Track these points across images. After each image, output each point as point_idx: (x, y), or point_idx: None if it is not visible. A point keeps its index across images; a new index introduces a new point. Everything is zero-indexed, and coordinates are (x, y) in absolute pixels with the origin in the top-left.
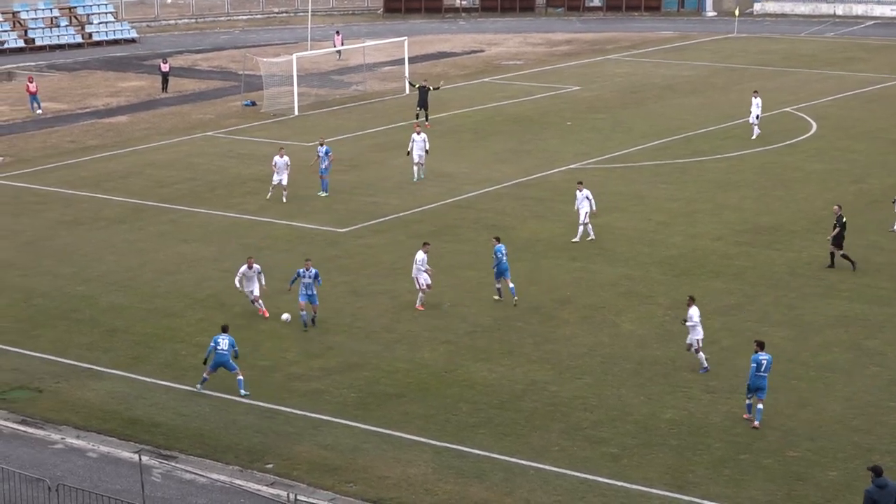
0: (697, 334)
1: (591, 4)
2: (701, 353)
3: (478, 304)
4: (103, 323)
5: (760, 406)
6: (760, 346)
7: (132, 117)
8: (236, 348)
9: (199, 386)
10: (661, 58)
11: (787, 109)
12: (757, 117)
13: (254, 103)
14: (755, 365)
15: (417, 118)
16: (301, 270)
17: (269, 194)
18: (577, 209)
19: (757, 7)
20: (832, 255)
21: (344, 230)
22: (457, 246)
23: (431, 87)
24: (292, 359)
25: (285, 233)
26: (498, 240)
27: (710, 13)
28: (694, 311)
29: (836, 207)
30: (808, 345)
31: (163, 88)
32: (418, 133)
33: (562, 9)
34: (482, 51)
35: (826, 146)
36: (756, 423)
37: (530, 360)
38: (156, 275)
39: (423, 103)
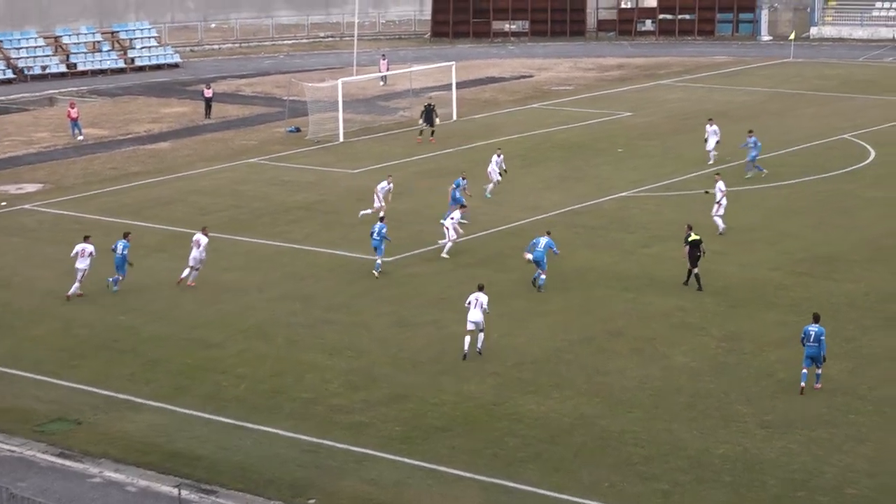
0: (473, 316)
1: (643, 29)
2: (467, 338)
3: (526, 335)
4: (144, 353)
5: (819, 371)
6: (815, 318)
7: (175, 143)
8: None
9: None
10: (714, 83)
11: (845, 136)
12: (716, 143)
13: (298, 129)
14: (803, 335)
15: (420, 134)
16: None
17: (362, 214)
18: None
19: (813, 31)
20: (689, 272)
21: (390, 259)
22: (505, 275)
23: (435, 108)
24: (335, 390)
25: (329, 261)
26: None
27: (765, 37)
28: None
29: (686, 227)
30: (867, 378)
31: (206, 114)
32: (498, 155)
33: (613, 33)
34: (531, 76)
35: (886, 173)
36: (817, 384)
37: (580, 392)
38: (198, 304)
39: (428, 120)
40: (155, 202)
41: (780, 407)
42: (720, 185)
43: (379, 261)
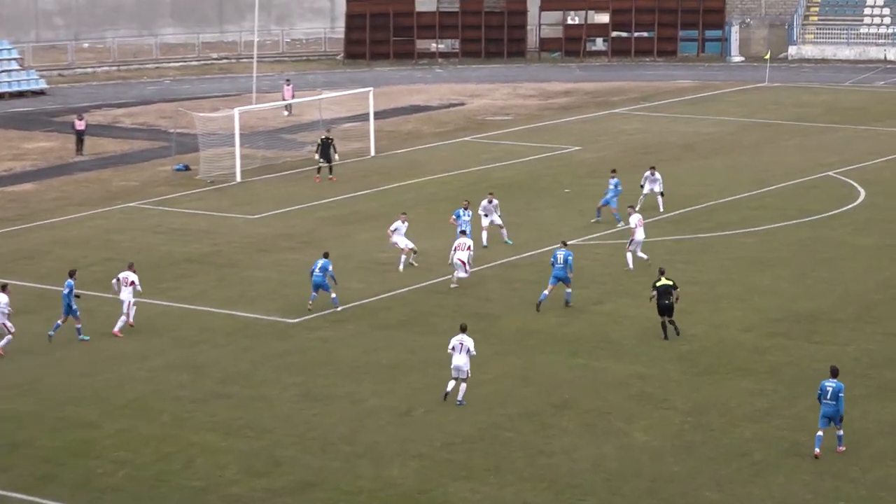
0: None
1: (594, 48)
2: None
3: (457, 410)
4: (2, 435)
5: (840, 432)
6: (833, 372)
7: (40, 185)
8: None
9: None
10: (677, 112)
11: (830, 173)
12: (661, 193)
13: (187, 168)
14: (819, 392)
15: (319, 172)
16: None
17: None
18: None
19: (792, 51)
20: (662, 325)
21: (295, 320)
22: (432, 339)
23: (334, 142)
24: (231, 477)
25: (225, 324)
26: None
27: (736, 58)
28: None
29: (658, 271)
30: (858, 457)
31: (77, 150)
32: (490, 201)
33: (558, 53)
34: (462, 104)
35: (876, 217)
36: (840, 447)
37: (521, 477)
38: (68, 376)
39: (325, 155)
40: (17, 255)
41: (757, 493)
42: (634, 217)
43: (333, 294)
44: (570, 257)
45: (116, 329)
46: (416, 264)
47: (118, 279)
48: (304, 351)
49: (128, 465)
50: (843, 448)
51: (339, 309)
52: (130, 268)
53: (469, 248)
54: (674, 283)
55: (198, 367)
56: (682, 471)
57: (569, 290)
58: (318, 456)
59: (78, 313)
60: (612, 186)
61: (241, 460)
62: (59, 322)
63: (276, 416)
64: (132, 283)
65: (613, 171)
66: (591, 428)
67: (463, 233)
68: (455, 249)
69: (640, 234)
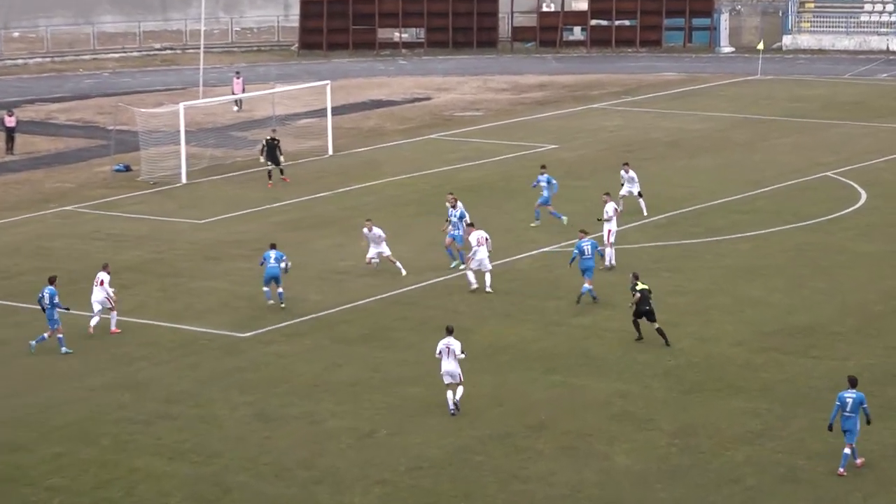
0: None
1: (571, 38)
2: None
3: (423, 432)
4: None
5: (847, 450)
6: (851, 382)
7: None
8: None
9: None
10: (662, 107)
11: (828, 174)
12: (640, 194)
13: (128, 168)
14: (839, 403)
15: (270, 177)
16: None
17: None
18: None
19: (786, 41)
20: (635, 323)
21: (247, 334)
22: (396, 354)
23: (279, 143)
24: None
25: (169, 339)
26: None
27: (726, 49)
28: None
29: (632, 276)
30: (860, 483)
31: (7, 148)
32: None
33: (532, 43)
34: (428, 98)
35: (879, 221)
36: (841, 469)
37: None
38: None
39: (272, 157)
40: None
41: None
42: (609, 206)
43: (280, 289)
44: (596, 245)
45: (91, 326)
46: (404, 271)
47: (96, 280)
48: (257, 367)
49: (64, 493)
50: (843, 471)
51: (283, 306)
52: (105, 268)
53: (487, 239)
54: (649, 290)
55: (140, 385)
56: (668, 497)
57: (589, 286)
58: (271, 482)
59: (55, 325)
60: (543, 184)
61: (187, 486)
62: (60, 336)
63: (225, 438)
64: (102, 282)
65: (543, 166)
66: (570, 451)
67: (471, 225)
68: (477, 245)
69: (612, 225)
